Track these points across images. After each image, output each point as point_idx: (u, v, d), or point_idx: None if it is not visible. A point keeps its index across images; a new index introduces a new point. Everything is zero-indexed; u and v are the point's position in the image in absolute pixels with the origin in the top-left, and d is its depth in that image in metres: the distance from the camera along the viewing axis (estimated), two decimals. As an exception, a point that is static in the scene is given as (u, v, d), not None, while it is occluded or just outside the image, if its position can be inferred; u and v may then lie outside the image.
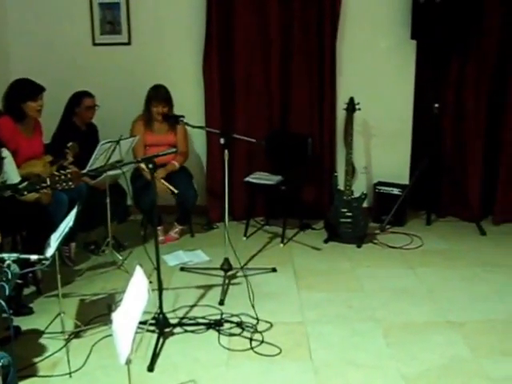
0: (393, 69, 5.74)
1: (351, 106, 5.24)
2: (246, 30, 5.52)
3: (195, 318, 3.85)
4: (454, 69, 5.65)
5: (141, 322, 2.96)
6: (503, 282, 4.52)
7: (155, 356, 3.39)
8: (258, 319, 3.81)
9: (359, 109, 5.25)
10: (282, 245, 5.25)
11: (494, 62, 5.61)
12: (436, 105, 5.54)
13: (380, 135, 5.82)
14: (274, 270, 4.63)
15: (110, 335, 2.48)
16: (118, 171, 4.39)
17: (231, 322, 3.78)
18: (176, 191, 4.77)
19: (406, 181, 5.80)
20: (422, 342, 3.62)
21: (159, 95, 5.16)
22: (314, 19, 5.51)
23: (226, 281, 4.32)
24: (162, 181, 4.85)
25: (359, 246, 5.20)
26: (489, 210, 5.95)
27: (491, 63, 5.61)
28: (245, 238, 5.41)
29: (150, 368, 3.29)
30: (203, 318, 3.85)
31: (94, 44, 5.68)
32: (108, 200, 4.55)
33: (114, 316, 2.23)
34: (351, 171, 5.28)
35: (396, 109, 5.80)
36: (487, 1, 5.44)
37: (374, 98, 5.67)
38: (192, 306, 4.03)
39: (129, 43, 5.67)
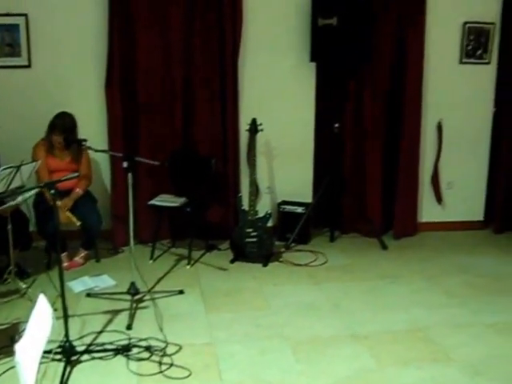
0: (294, 90, 5.90)
1: (253, 127, 5.32)
2: (149, 53, 5.52)
3: (103, 344, 3.77)
4: (352, 89, 5.90)
5: (46, 352, 2.89)
6: (405, 293, 4.73)
7: (62, 385, 3.31)
8: (166, 342, 3.79)
9: (262, 129, 5.34)
10: (188, 266, 5.25)
11: (388, 82, 5.90)
12: (336, 124, 5.74)
13: (283, 155, 5.95)
14: (181, 292, 4.61)
15: (14, 367, 2.41)
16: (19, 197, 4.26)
17: (139, 347, 3.73)
18: (78, 223, 4.70)
19: (309, 199, 5.96)
20: (330, 355, 3.71)
21: (63, 125, 5.00)
22: (216, 42, 5.60)
23: (134, 305, 4.27)
24: (68, 213, 4.76)
25: (265, 265, 5.27)
26: (389, 225, 6.20)
27: (386, 83, 5.89)
28: (151, 261, 5.37)
29: (57, 398, 3.21)
30: (111, 343, 3.77)
31: (-8, 67, 5.52)
32: (10, 227, 4.41)
33: (18, 347, 2.18)
34: (255, 191, 5.37)
35: (298, 129, 5.96)
36: (381, 23, 5.73)
37: (276, 118, 5.81)
38: (99, 332, 3.95)
39: (29, 66, 5.52)
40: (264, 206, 5.83)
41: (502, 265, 5.50)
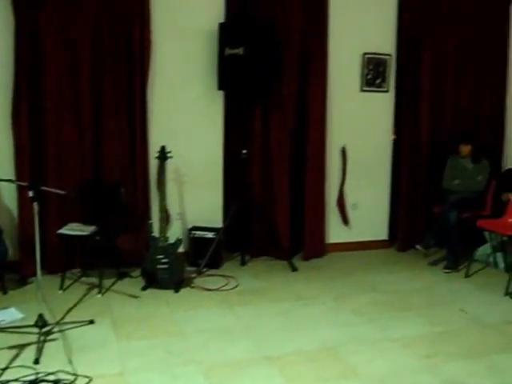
0: (203, 118, 5.98)
1: (163, 154, 5.35)
2: (57, 82, 5.45)
3: (7, 381, 3.62)
4: (259, 116, 6.02)
5: None
6: (315, 314, 4.86)
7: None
8: (76, 375, 3.70)
9: (171, 157, 5.38)
10: (99, 295, 5.17)
11: (294, 109, 6.09)
12: (244, 151, 5.86)
13: (193, 181, 5.99)
14: (91, 321, 4.53)
15: None
16: None
17: (47, 381, 3.63)
18: None
19: (219, 224, 6.02)
20: (242, 378, 3.75)
21: None
22: (125, 71, 5.60)
23: (41, 338, 4.15)
24: None
25: (177, 291, 5.27)
26: (299, 247, 6.34)
27: (292, 110, 6.08)
28: (61, 291, 5.26)
29: None
30: (17, 380, 3.63)
31: None
32: None
33: None
34: (165, 218, 5.39)
35: (207, 155, 6.03)
36: (286, 53, 5.93)
37: (185, 145, 5.86)
38: (4, 369, 3.79)
39: None
40: (175, 232, 5.84)
41: (406, 281, 5.75)
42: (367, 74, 6.42)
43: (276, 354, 4.08)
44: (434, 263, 6.35)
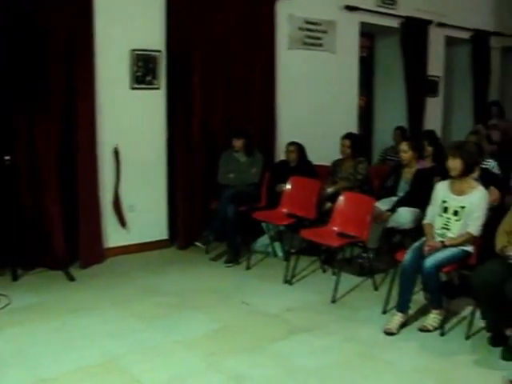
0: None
1: None
2: None
3: None
4: (23, 119, 5.62)
5: None
6: (95, 325, 4.63)
7: None
8: None
9: None
10: None
11: (61, 111, 5.80)
12: (7, 157, 5.43)
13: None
14: None
15: None
16: None
17: None
18: None
19: (-15, 239, 5.53)
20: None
21: None
22: None
23: None
24: None
25: None
26: (76, 254, 6.05)
27: (59, 111, 5.79)
28: None
29: None
30: None
31: None
32: None
33: None
34: None
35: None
36: (48, 54, 5.60)
37: None
38: None
39: None
40: None
41: (189, 280, 5.74)
42: (136, 71, 6.25)
43: (53, 376, 3.82)
44: (216, 258, 6.42)
